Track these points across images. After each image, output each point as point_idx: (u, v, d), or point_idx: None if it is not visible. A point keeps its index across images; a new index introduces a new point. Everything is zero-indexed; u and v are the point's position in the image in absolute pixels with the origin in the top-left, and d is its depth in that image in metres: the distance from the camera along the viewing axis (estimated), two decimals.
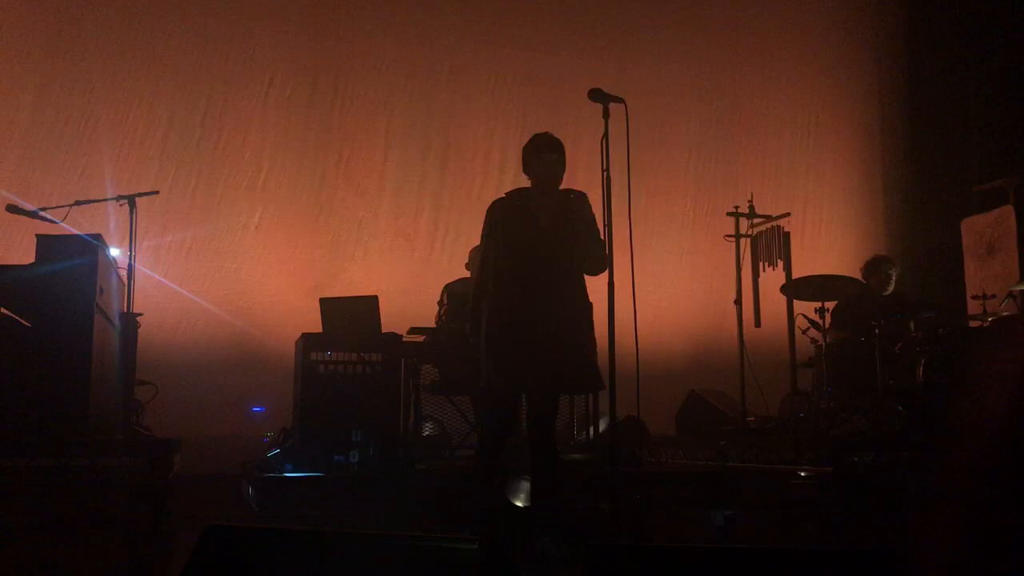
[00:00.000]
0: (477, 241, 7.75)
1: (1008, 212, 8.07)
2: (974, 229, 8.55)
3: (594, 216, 4.25)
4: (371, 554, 1.70)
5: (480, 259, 4.44)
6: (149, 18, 7.92)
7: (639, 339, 3.88)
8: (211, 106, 8.01)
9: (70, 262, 4.73)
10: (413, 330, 6.07)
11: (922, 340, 6.14)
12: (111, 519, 4.26)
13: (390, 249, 8.38)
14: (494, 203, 4.41)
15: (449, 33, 8.75)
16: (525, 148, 4.36)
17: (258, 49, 8.21)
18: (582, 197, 4.24)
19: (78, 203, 5.92)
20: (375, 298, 5.94)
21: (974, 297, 6.60)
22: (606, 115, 4.05)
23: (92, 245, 4.84)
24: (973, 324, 6.50)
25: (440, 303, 6.53)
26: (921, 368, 6.04)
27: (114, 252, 5.77)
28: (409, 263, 8.36)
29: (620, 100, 4.07)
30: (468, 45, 8.80)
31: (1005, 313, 6.36)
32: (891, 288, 6.80)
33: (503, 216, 4.32)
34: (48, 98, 7.57)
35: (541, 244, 4.22)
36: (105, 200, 6.34)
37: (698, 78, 9.49)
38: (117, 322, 5.54)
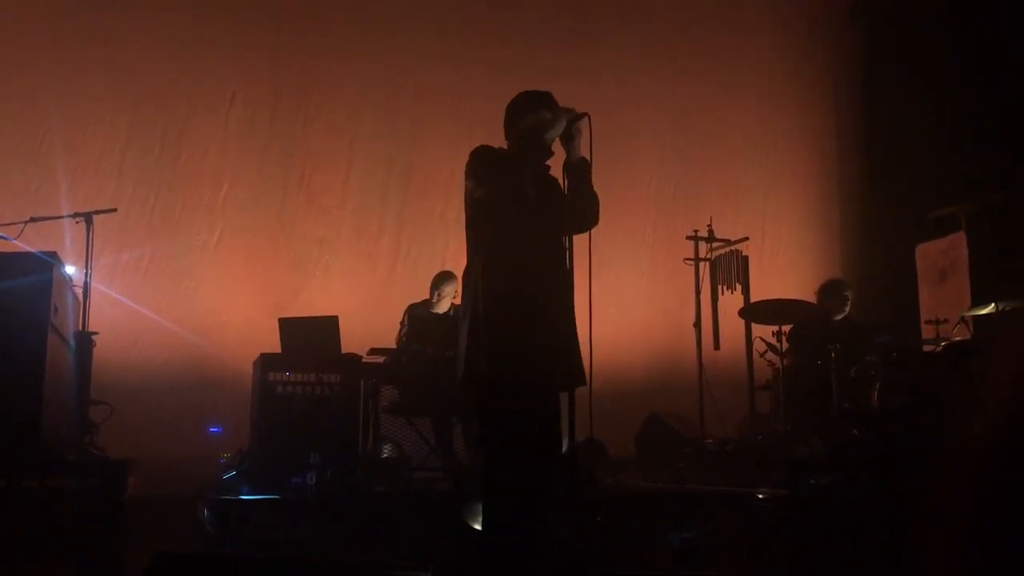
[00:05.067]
0: (439, 264, 7.83)
1: (960, 239, 8.22)
2: (928, 255, 8.70)
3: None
4: None
5: (482, 201, 3.69)
6: (108, 33, 7.85)
7: (598, 359, 3.84)
8: (171, 123, 7.95)
9: (24, 280, 4.64)
10: (373, 351, 6.04)
11: (877, 364, 6.23)
12: (62, 542, 4.18)
13: (351, 269, 8.35)
14: (488, 147, 3.77)
15: (412, 53, 8.76)
16: (513, 104, 3.82)
17: (220, 66, 8.17)
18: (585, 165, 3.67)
19: (33, 220, 5.86)
20: (335, 318, 5.91)
21: (927, 322, 6.71)
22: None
23: (47, 263, 4.76)
24: (926, 348, 6.61)
25: (402, 324, 6.52)
26: (876, 392, 6.12)
27: (70, 270, 5.68)
28: (370, 283, 8.32)
29: (583, 115, 3.71)
30: (431, 65, 8.82)
31: (957, 338, 6.48)
32: (846, 311, 6.90)
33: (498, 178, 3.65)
34: (2, 113, 7.46)
35: (535, 221, 3.67)
36: (61, 217, 6.28)
37: (659, 102, 9.58)
38: (72, 341, 5.46)
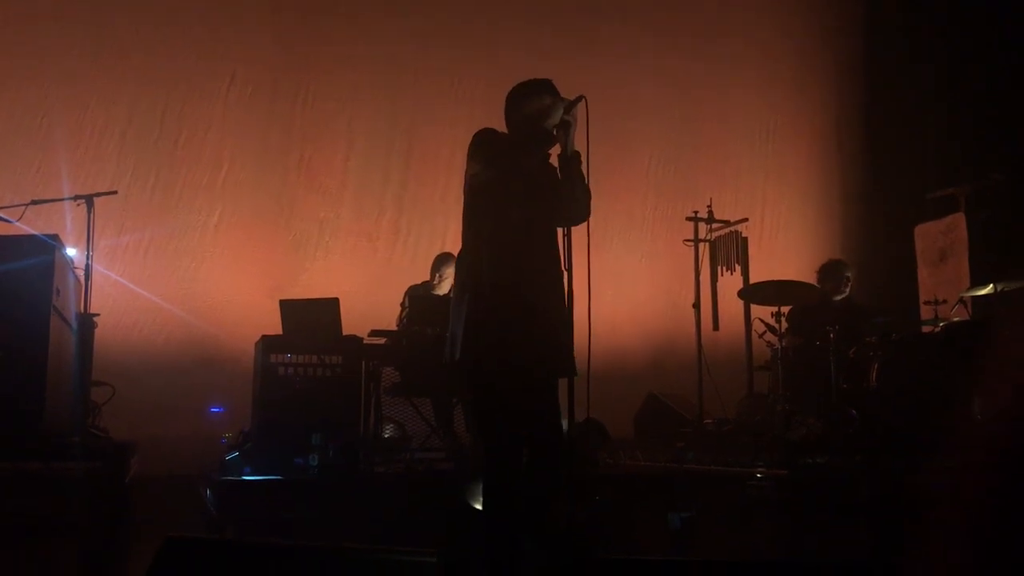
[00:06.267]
0: (440, 245, 7.84)
1: (959, 219, 8.25)
2: (927, 236, 8.73)
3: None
4: (330, 568, 1.72)
5: (485, 186, 3.60)
6: (108, 14, 7.82)
7: (598, 340, 3.82)
8: (171, 104, 7.93)
9: (26, 263, 4.66)
10: (374, 332, 6.06)
11: (875, 345, 6.25)
12: (66, 524, 4.22)
13: (352, 250, 8.35)
14: (494, 131, 3.70)
15: (413, 34, 8.73)
16: (513, 92, 3.76)
17: (219, 46, 8.14)
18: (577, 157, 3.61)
19: (34, 202, 5.87)
20: (336, 300, 5.92)
21: (926, 302, 6.73)
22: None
23: (48, 245, 4.78)
24: (925, 329, 6.63)
25: (402, 305, 6.54)
26: (875, 372, 6.15)
27: (71, 252, 5.69)
28: (371, 265, 8.33)
29: (579, 98, 3.62)
30: (432, 46, 8.79)
31: (956, 318, 6.50)
32: (846, 292, 6.89)
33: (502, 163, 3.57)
34: (2, 95, 7.44)
35: (534, 208, 3.62)
36: (62, 200, 6.28)
37: (659, 82, 9.56)
38: (74, 323, 5.48)
